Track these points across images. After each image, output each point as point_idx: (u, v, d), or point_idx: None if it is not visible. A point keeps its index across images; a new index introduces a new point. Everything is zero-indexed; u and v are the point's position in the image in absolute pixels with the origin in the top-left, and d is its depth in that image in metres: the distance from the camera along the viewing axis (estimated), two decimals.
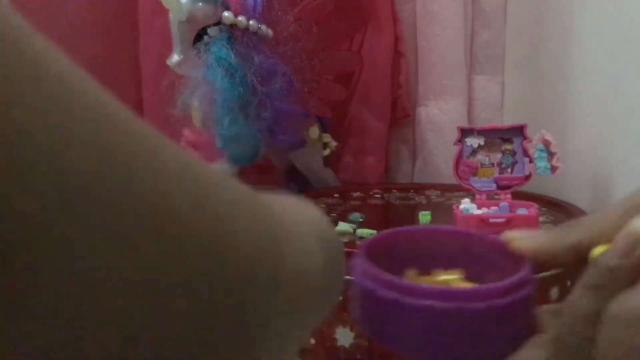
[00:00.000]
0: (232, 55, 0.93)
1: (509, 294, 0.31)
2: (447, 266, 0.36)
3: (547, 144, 0.86)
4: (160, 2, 0.92)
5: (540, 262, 0.33)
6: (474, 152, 0.89)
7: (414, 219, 0.94)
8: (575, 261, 0.32)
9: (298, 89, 1.01)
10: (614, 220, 0.31)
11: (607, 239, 0.30)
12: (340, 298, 0.34)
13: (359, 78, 1.19)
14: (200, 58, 0.94)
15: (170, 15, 0.93)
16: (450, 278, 0.35)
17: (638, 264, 0.28)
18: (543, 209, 0.93)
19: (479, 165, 0.89)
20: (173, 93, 0.94)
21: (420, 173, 1.23)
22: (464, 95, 1.19)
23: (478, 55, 1.21)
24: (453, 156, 0.89)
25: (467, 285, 0.35)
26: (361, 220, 0.91)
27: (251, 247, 0.22)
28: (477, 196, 0.88)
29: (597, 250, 0.30)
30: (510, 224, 0.84)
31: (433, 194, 1.09)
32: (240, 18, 0.96)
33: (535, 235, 0.34)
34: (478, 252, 0.36)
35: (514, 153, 0.88)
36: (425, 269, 0.36)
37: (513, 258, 0.34)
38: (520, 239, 0.34)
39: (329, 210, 0.99)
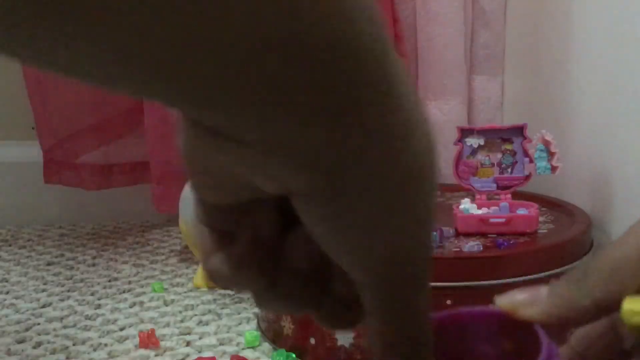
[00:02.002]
0: None
1: None
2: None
3: (547, 144, 0.86)
4: None
5: (553, 327, 0.28)
6: (473, 152, 0.89)
7: None
8: (597, 317, 0.28)
9: None
10: (634, 265, 0.26)
11: (632, 287, 0.26)
12: None
13: None
14: None
15: None
16: None
17: None
18: (543, 209, 0.93)
19: (479, 165, 0.89)
20: None
21: None
22: (463, 95, 1.19)
23: (478, 55, 1.21)
24: (453, 156, 0.89)
25: None
26: None
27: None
28: (477, 196, 0.88)
29: (629, 305, 0.26)
30: (510, 224, 0.84)
31: None
32: None
33: (541, 299, 0.28)
34: (474, 331, 0.30)
35: (514, 153, 0.88)
36: None
37: (518, 328, 0.28)
38: (525, 305, 0.28)
39: None
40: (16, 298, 1.00)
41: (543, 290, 0.28)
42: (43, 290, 1.02)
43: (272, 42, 0.18)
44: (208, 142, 0.21)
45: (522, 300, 0.28)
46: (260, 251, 0.24)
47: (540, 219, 0.88)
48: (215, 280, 0.25)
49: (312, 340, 0.80)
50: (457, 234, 0.85)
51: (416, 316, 0.25)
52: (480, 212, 0.86)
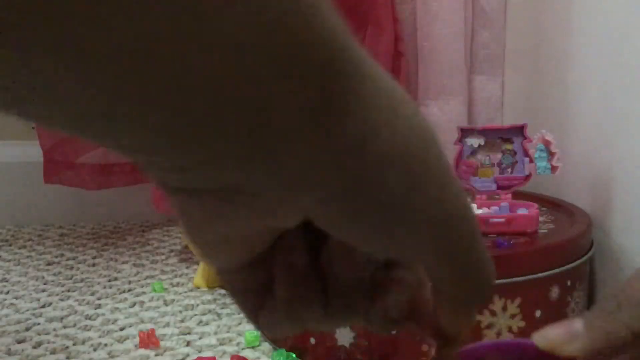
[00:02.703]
0: None
1: None
2: None
3: (547, 143, 0.86)
4: None
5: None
6: (474, 152, 0.89)
7: None
8: (635, 345, 0.29)
9: None
10: None
11: None
12: None
13: None
14: None
15: None
16: None
17: None
18: (543, 209, 0.93)
19: (479, 165, 0.89)
20: None
21: None
22: (464, 95, 1.19)
23: (478, 55, 1.21)
24: (453, 156, 0.89)
25: None
26: None
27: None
28: (478, 196, 0.88)
29: None
30: (510, 223, 0.84)
31: None
32: None
33: (579, 334, 0.29)
34: None
35: (514, 153, 0.88)
36: None
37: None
38: (564, 342, 0.29)
39: None
40: (16, 298, 1.00)
41: (578, 325, 0.29)
42: (43, 290, 1.02)
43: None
44: (218, 207, 0.21)
45: (560, 337, 0.29)
46: (302, 283, 0.24)
47: (540, 219, 0.88)
48: (274, 333, 0.25)
49: (312, 340, 0.80)
50: None
51: (479, 252, 0.25)
52: (480, 212, 0.85)
